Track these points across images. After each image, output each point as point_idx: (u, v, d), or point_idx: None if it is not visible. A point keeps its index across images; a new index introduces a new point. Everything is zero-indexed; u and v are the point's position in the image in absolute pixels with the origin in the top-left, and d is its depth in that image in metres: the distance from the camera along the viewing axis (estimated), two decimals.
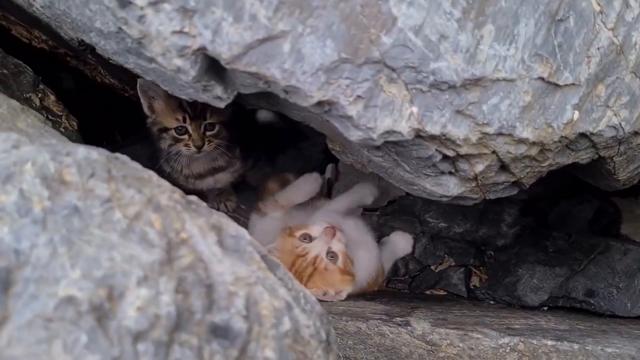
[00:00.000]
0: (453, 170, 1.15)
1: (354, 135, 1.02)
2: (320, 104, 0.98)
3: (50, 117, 1.43)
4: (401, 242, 1.89)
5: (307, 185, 1.87)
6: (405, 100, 0.99)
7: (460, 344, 1.24)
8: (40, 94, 1.45)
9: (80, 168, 0.69)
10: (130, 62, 1.07)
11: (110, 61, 1.16)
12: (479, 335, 1.23)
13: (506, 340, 1.22)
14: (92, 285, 0.60)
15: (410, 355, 1.27)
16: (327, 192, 2.05)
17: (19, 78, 1.43)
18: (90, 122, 1.67)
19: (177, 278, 0.66)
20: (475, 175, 1.13)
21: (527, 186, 1.23)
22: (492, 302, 1.72)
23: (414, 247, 1.90)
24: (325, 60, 0.93)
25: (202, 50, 0.93)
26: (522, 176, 1.17)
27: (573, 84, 1.04)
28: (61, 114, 1.47)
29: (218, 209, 1.92)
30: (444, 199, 1.22)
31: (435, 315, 1.39)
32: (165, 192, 0.75)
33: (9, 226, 0.62)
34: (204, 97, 1.07)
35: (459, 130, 1.03)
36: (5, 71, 1.41)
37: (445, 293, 1.80)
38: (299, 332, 0.74)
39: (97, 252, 0.63)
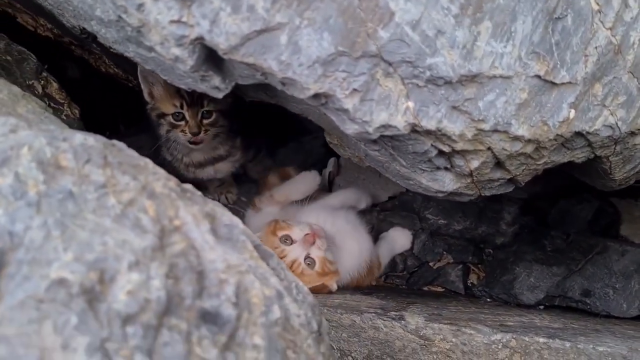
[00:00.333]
0: (449, 166, 1.15)
1: (350, 129, 1.03)
2: (316, 96, 0.98)
3: (52, 104, 1.43)
4: (400, 238, 1.89)
5: (304, 183, 1.86)
6: (402, 95, 0.99)
7: (453, 339, 1.24)
8: (43, 82, 1.46)
9: (76, 153, 0.70)
10: (131, 51, 1.08)
11: (112, 50, 1.17)
12: (472, 331, 1.24)
13: (499, 336, 1.22)
14: (84, 268, 0.61)
15: (403, 349, 1.28)
16: (329, 185, 2.05)
17: (22, 65, 1.43)
18: (95, 111, 1.67)
19: (168, 264, 0.67)
20: (471, 171, 1.14)
21: (523, 184, 1.23)
22: (488, 299, 1.73)
23: (412, 243, 1.89)
24: (322, 53, 0.94)
25: (199, 40, 0.93)
26: (518, 173, 1.17)
27: (570, 83, 1.04)
28: (63, 101, 1.48)
29: (219, 201, 1.94)
30: (440, 195, 1.23)
31: (430, 310, 1.39)
32: (160, 180, 0.76)
33: (3, 208, 0.63)
34: (202, 87, 1.08)
35: (454, 126, 1.03)
36: (9, 58, 1.41)
37: (443, 290, 1.80)
38: (289, 321, 0.75)
39: (90, 237, 0.64)
